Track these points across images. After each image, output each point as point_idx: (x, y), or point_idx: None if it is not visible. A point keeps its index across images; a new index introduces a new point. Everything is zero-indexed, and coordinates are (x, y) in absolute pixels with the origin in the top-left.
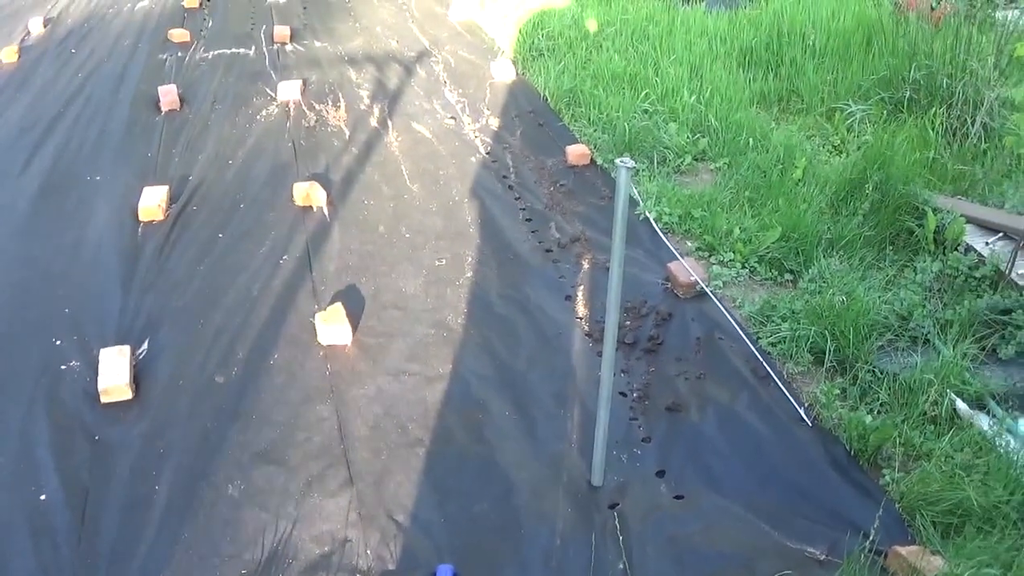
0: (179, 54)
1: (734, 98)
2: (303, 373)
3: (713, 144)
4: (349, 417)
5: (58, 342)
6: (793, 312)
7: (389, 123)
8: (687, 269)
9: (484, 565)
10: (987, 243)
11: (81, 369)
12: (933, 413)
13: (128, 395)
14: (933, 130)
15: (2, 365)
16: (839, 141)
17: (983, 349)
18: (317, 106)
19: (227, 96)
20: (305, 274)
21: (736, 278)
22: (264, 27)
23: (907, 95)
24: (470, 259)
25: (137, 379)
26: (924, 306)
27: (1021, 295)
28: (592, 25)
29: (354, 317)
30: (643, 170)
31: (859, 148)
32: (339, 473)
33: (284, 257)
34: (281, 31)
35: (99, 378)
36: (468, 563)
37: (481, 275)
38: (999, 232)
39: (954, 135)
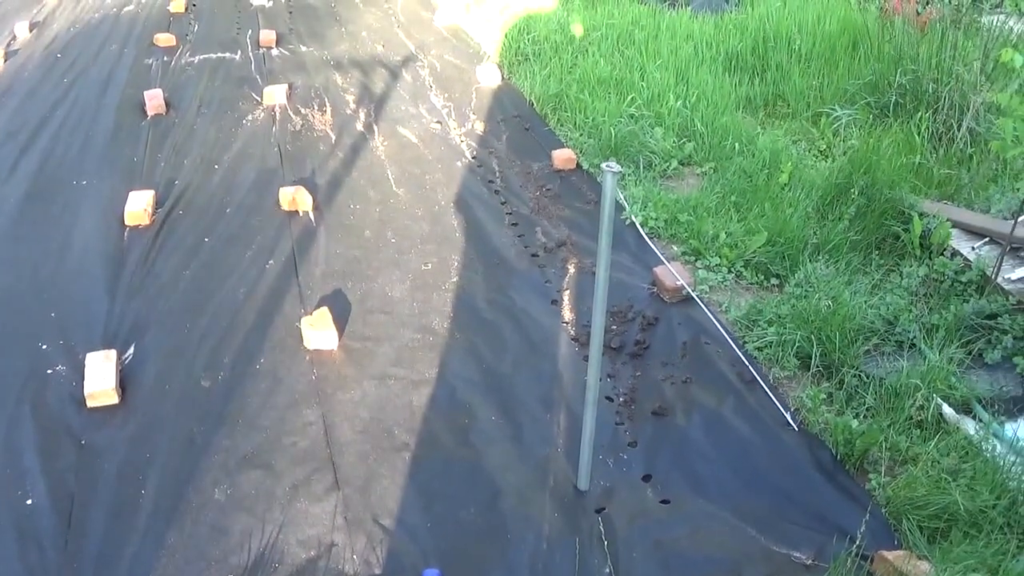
0: (165, 58)
1: (720, 102)
2: (289, 377)
3: (699, 148)
4: (335, 421)
5: (44, 346)
6: (779, 317)
7: (375, 127)
8: (673, 273)
9: (470, 569)
10: (973, 248)
11: (67, 373)
12: (919, 417)
13: (114, 399)
14: (919, 135)
15: None
16: (825, 146)
17: (969, 354)
18: (303, 110)
19: (213, 100)
20: (291, 279)
21: (722, 283)
22: (250, 31)
23: (893, 100)
24: (456, 263)
25: (123, 383)
26: (910, 311)
27: (1007, 300)
28: (578, 29)
29: (340, 321)
30: (629, 175)
31: (845, 153)
32: (325, 477)
33: (270, 262)
34: (267, 35)
35: (85, 382)
36: (454, 567)
37: (467, 279)
38: (985, 237)
39: (940, 140)
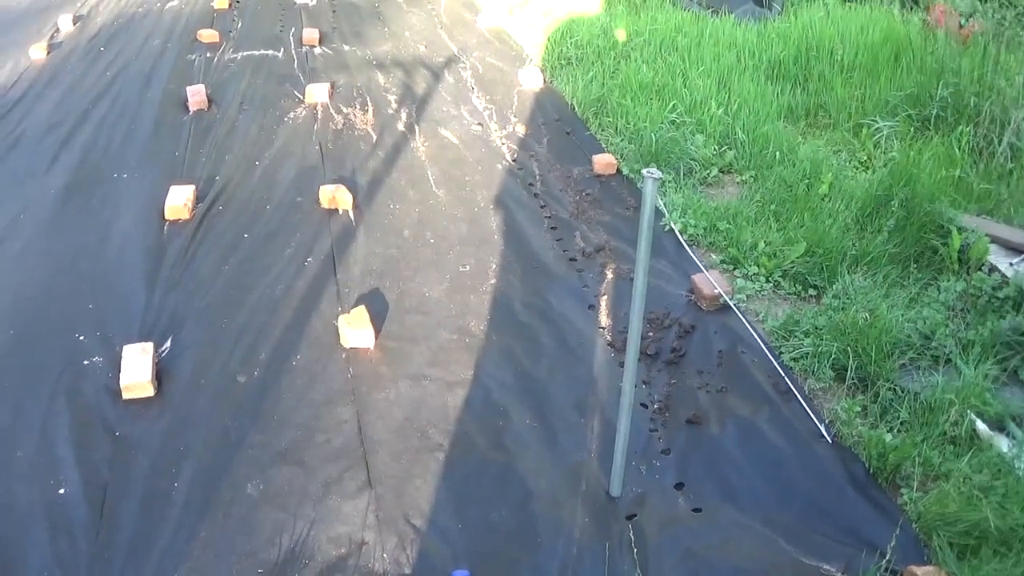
0: (208, 55)
1: (761, 111)
2: (325, 375)
3: (740, 157)
4: (370, 420)
5: (81, 338)
6: (816, 328)
7: (416, 128)
8: (711, 282)
9: (500, 572)
10: (1011, 264)
11: (104, 365)
12: (953, 433)
13: (150, 392)
14: (959, 148)
15: (25, 359)
16: (865, 157)
17: (1004, 370)
18: (345, 109)
19: (255, 97)
20: (329, 277)
21: (760, 292)
22: (293, 30)
23: (934, 112)
24: (494, 266)
25: (159, 376)
26: (947, 325)
27: None
28: (621, 35)
29: (377, 321)
30: (669, 181)
31: (885, 165)
32: (358, 476)
33: (309, 259)
34: (310, 34)
35: (121, 374)
36: (484, 569)
37: (505, 282)
38: (1023, 253)
39: (980, 154)
